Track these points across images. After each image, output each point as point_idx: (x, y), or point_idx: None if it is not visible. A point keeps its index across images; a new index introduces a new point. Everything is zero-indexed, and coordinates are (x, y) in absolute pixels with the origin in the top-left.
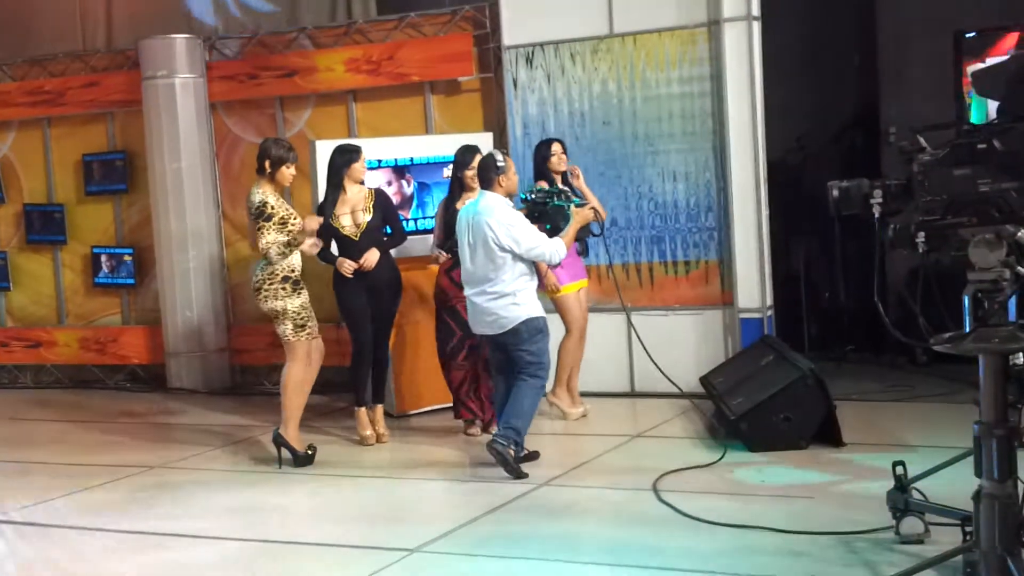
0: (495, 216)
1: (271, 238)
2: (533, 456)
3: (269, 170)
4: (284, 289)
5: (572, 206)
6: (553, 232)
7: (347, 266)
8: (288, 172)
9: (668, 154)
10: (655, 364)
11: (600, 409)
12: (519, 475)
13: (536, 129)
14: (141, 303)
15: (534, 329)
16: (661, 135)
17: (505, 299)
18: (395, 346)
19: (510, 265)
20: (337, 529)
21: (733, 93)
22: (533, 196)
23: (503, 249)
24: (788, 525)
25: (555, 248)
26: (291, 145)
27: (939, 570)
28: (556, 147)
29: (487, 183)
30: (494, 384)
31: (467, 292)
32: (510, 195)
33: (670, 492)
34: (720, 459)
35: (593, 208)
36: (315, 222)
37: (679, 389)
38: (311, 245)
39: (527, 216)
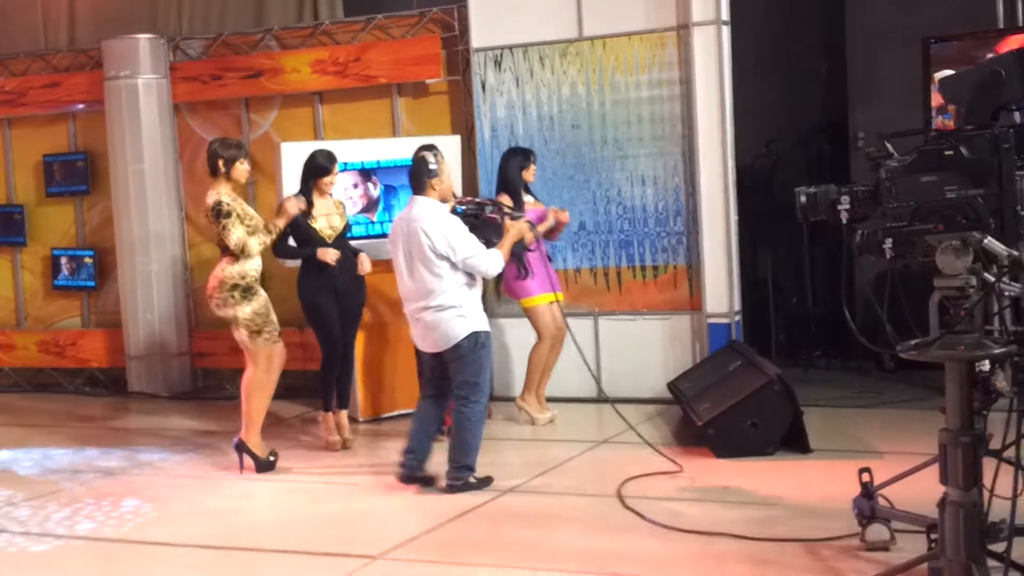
0: (430, 221)
1: (240, 232)
2: (488, 480)
3: (223, 169)
4: (233, 297)
5: (506, 219)
6: (487, 246)
7: (332, 254)
8: (243, 168)
9: (637, 158)
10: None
11: (567, 415)
12: (486, 484)
13: (505, 132)
14: (102, 306)
15: (476, 344)
16: (630, 139)
17: (451, 311)
18: (360, 350)
19: (450, 274)
20: (299, 536)
21: (702, 97)
22: (464, 208)
23: (440, 257)
24: (754, 532)
25: (492, 260)
26: (239, 142)
27: None
28: (532, 158)
29: (419, 187)
30: (420, 403)
31: (408, 309)
32: (444, 199)
33: (636, 499)
34: (680, 469)
35: (529, 221)
36: (295, 201)
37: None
38: (295, 204)
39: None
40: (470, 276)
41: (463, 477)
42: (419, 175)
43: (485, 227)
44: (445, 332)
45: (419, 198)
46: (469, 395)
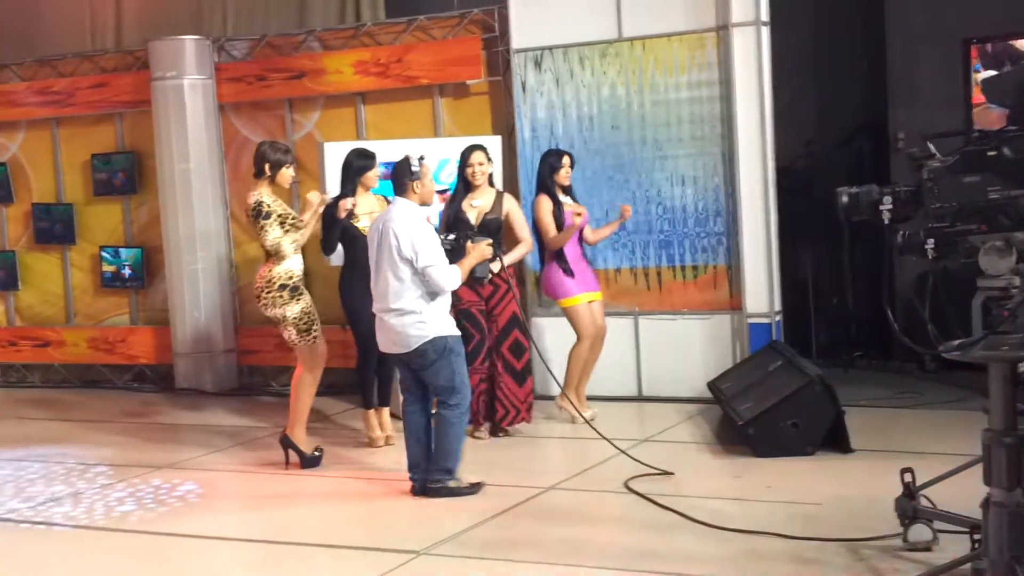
0: (401, 224)
1: (276, 234)
2: (477, 487)
3: (269, 173)
4: (282, 296)
5: (469, 242)
6: (470, 275)
7: (349, 202)
8: (287, 173)
9: (677, 159)
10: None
11: (607, 413)
12: (472, 491)
13: (545, 133)
14: (150, 303)
15: (442, 349)
16: (670, 139)
17: (411, 316)
18: None
19: (412, 279)
20: (343, 531)
21: (742, 98)
22: (443, 237)
23: (404, 260)
24: (795, 531)
25: (450, 275)
26: (288, 147)
27: None
28: (566, 160)
29: (400, 189)
30: (405, 406)
31: (374, 308)
32: (425, 203)
33: (676, 497)
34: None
35: (492, 245)
36: (316, 194)
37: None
38: (319, 201)
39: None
40: None
41: (442, 481)
42: (400, 177)
43: (456, 255)
44: (405, 336)
45: (399, 199)
46: (448, 399)
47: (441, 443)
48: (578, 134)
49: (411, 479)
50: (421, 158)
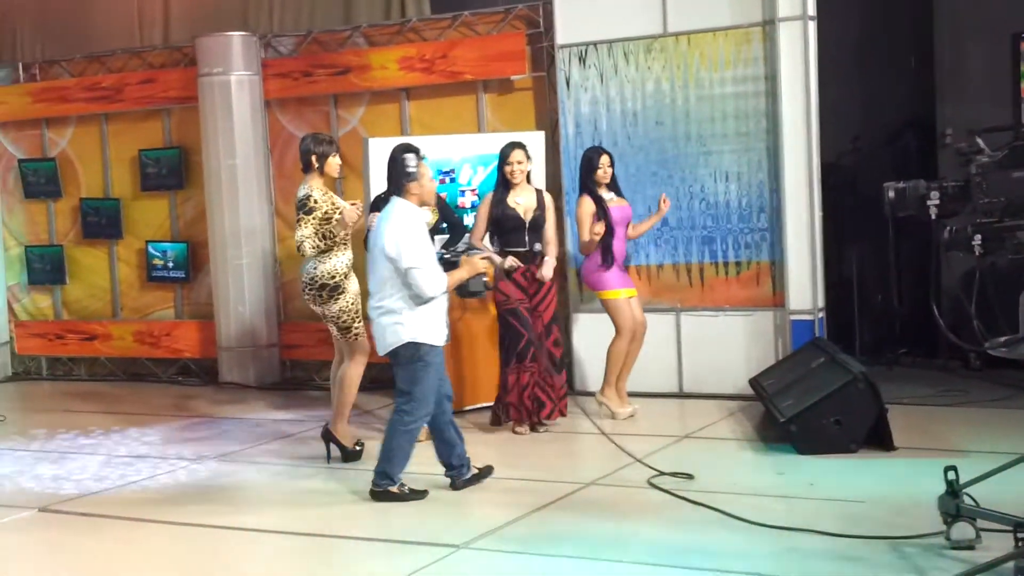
0: (392, 222)
1: (307, 232)
2: (486, 472)
3: (316, 165)
4: (321, 296)
5: (464, 255)
6: (464, 289)
7: None
8: (335, 162)
9: (721, 154)
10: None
11: (648, 410)
12: (415, 497)
13: (588, 128)
14: (195, 298)
15: (413, 356)
16: (714, 135)
17: (391, 316)
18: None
19: (395, 279)
20: (384, 524)
21: (787, 93)
22: (446, 255)
23: (388, 259)
24: (837, 528)
25: (434, 281)
26: (331, 137)
27: (990, 575)
28: (604, 160)
29: (398, 189)
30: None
31: (367, 307)
32: (424, 203)
33: (717, 494)
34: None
35: (488, 258)
36: (354, 212)
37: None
38: (354, 213)
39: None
40: None
41: (382, 485)
42: (396, 177)
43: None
44: (384, 337)
45: (396, 199)
46: (401, 404)
47: (385, 446)
48: (622, 130)
49: (446, 475)
50: (420, 157)
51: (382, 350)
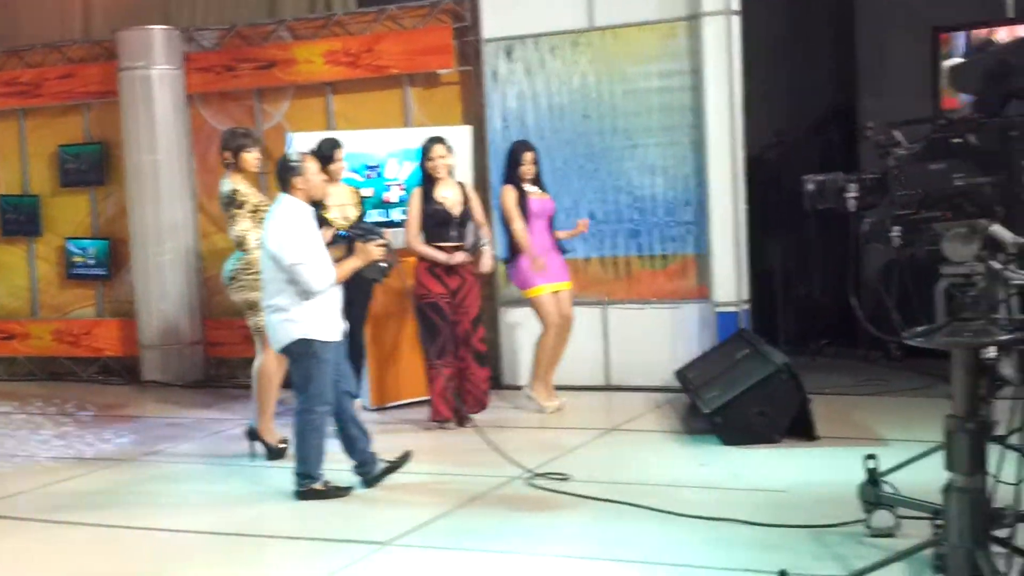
0: (275, 219)
1: (246, 225)
2: (402, 460)
3: (232, 159)
4: (259, 280)
5: (358, 242)
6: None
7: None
8: (250, 157)
9: (647, 148)
10: None
11: (576, 403)
12: (340, 493)
13: (515, 123)
14: (115, 295)
15: (304, 352)
16: (640, 129)
17: (280, 314)
18: (372, 340)
19: (282, 276)
20: (310, 522)
21: (712, 87)
22: (352, 232)
23: (273, 256)
24: (761, 518)
25: (320, 275)
26: (248, 131)
27: (909, 563)
28: (528, 156)
29: (283, 185)
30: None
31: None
32: (312, 199)
33: (643, 485)
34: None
35: (385, 245)
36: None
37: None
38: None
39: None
40: None
41: (305, 484)
42: (283, 173)
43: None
44: (274, 335)
45: (282, 196)
46: (300, 403)
47: (297, 449)
48: (549, 124)
49: (355, 472)
50: (303, 153)
51: (275, 348)
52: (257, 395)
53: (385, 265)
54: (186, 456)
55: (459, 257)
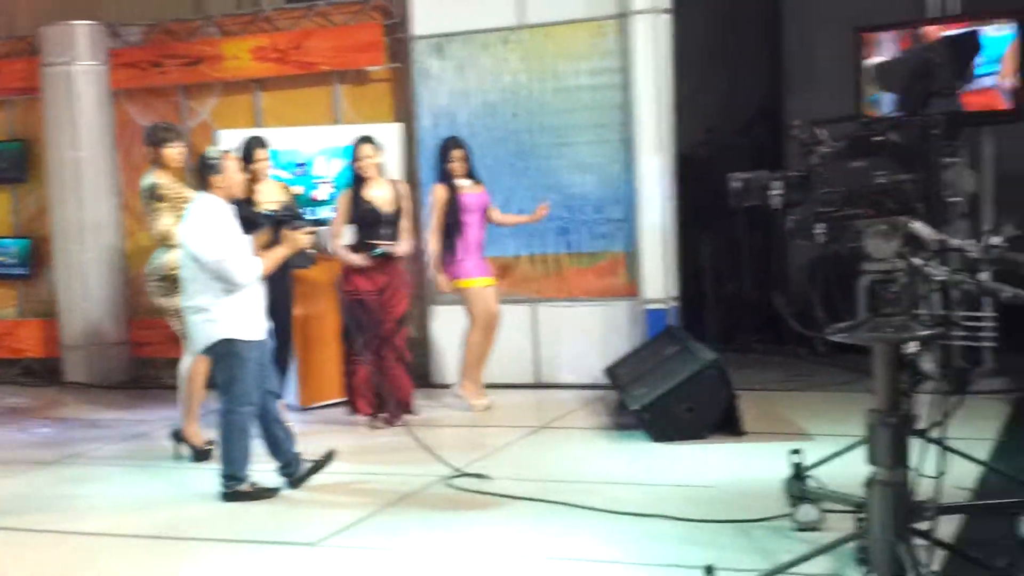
0: (192, 219)
1: (168, 221)
2: (327, 459)
3: (154, 154)
4: (161, 287)
5: (285, 229)
6: (284, 265)
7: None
8: (172, 152)
9: (577, 146)
10: None
11: (505, 400)
12: (266, 495)
13: (446, 120)
14: (36, 295)
15: (228, 351)
16: (570, 127)
17: (201, 315)
18: (299, 340)
19: (201, 275)
20: (236, 524)
21: (642, 85)
22: (276, 213)
23: (193, 255)
24: (689, 513)
25: (246, 268)
26: (170, 126)
27: (833, 556)
28: (457, 153)
29: (202, 183)
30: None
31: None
32: (231, 198)
33: (572, 483)
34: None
35: (313, 232)
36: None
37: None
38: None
39: (271, 237)
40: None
41: (231, 486)
42: (201, 171)
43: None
44: (196, 336)
45: (201, 194)
46: (224, 404)
47: (223, 450)
48: (480, 121)
49: (280, 474)
50: (223, 151)
51: (198, 349)
52: (182, 396)
53: (312, 251)
54: (108, 458)
55: (357, 259)
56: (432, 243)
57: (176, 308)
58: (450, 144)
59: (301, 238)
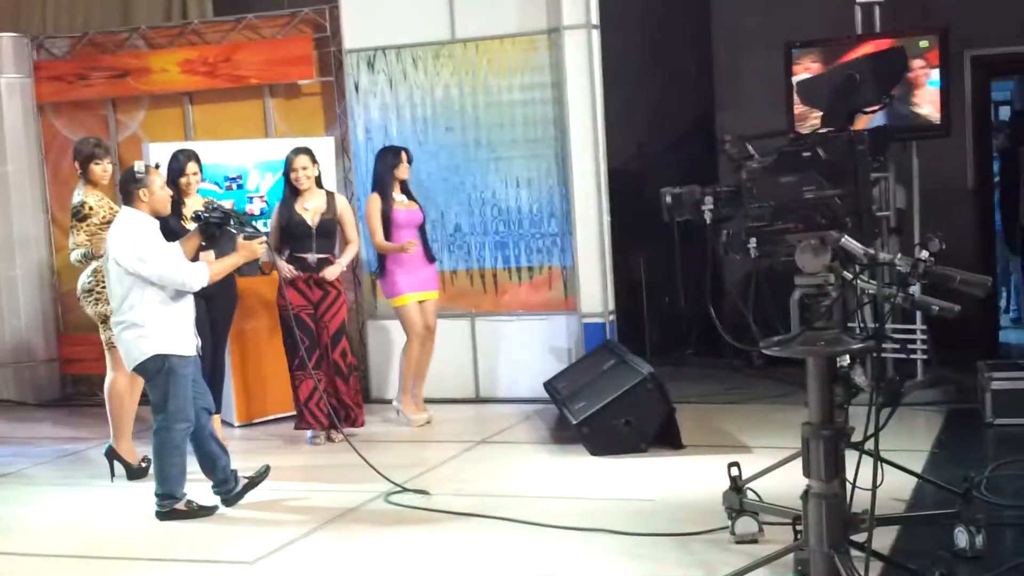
0: (120, 233)
1: (79, 239)
2: (261, 476)
3: (79, 170)
4: (89, 300)
5: (240, 237)
6: (241, 272)
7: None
8: (98, 169)
9: (511, 160)
10: None
11: (445, 415)
12: (204, 513)
13: (379, 134)
14: None
15: (160, 368)
16: (504, 141)
17: (133, 330)
18: (236, 355)
19: (138, 290)
20: (173, 544)
21: (574, 100)
22: (208, 215)
23: (125, 271)
24: (628, 527)
25: (192, 272)
26: (98, 141)
27: (771, 568)
28: (404, 156)
29: (127, 197)
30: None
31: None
32: (156, 213)
33: (512, 498)
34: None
35: (266, 242)
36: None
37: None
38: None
39: (203, 240)
40: (169, 296)
41: (167, 505)
42: (126, 184)
43: (226, 241)
44: (127, 352)
45: (125, 208)
46: (159, 421)
47: (157, 469)
48: (412, 136)
49: (214, 492)
50: (148, 165)
51: (129, 366)
52: (111, 414)
53: (261, 260)
54: (40, 478)
55: (285, 271)
56: (380, 248)
57: (104, 317)
58: (395, 150)
59: (257, 247)
